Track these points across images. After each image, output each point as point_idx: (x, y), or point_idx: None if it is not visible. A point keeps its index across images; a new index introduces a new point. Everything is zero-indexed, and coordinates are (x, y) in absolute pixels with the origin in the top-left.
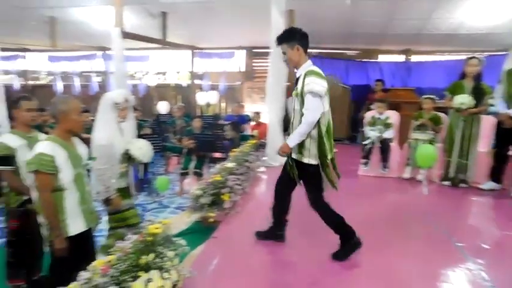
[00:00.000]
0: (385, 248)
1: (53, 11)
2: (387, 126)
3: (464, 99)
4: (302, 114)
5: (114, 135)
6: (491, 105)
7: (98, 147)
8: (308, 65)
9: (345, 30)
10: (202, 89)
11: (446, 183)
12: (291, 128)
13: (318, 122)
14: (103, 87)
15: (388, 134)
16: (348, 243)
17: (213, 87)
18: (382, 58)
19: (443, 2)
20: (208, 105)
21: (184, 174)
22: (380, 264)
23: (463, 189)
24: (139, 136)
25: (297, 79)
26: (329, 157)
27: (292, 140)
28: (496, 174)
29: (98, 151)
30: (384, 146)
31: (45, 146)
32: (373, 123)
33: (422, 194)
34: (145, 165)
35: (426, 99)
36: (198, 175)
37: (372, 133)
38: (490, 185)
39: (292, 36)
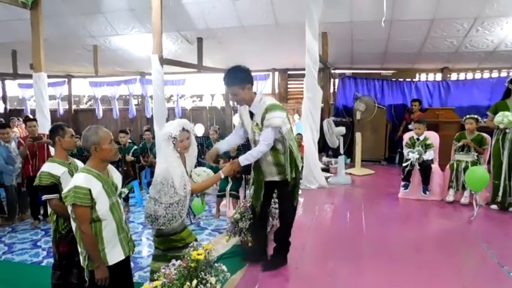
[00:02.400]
0: (435, 277)
1: (96, 40)
2: (427, 147)
3: (504, 117)
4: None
5: (172, 169)
6: None
7: (158, 184)
8: (262, 100)
9: (379, 50)
10: (237, 112)
11: (494, 206)
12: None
13: (286, 139)
14: (141, 111)
15: (429, 155)
16: (285, 256)
17: None
18: (418, 77)
19: (482, 20)
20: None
21: (220, 196)
22: None
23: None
24: None
25: (252, 114)
26: (300, 167)
27: (244, 160)
28: None
29: (158, 187)
30: (424, 167)
31: (81, 178)
32: (412, 144)
33: (469, 219)
34: None
35: (469, 119)
36: (234, 197)
37: (411, 155)
38: None
39: (244, 78)
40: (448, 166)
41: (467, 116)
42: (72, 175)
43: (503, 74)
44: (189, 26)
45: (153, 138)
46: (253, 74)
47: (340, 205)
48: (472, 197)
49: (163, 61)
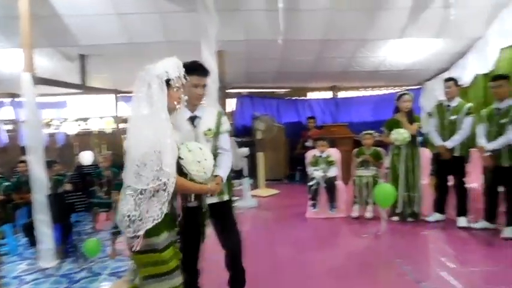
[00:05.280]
0: None
1: None
2: (330, 163)
3: (400, 135)
4: (217, 154)
5: (162, 136)
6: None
7: (136, 161)
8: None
9: (276, 69)
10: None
11: (395, 218)
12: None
13: None
14: (14, 138)
15: (332, 172)
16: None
17: None
18: (310, 95)
19: (366, 42)
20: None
21: (116, 234)
22: None
23: (412, 223)
24: (58, 195)
25: (194, 118)
26: None
27: (226, 175)
28: (439, 205)
29: (136, 164)
30: (329, 185)
31: None
32: (316, 162)
33: (375, 233)
34: (69, 225)
35: (366, 134)
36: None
37: (316, 173)
38: (436, 216)
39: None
40: (350, 182)
41: (365, 132)
42: None
43: (385, 91)
44: (69, 41)
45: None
46: None
47: (251, 232)
48: (376, 210)
49: (37, 80)
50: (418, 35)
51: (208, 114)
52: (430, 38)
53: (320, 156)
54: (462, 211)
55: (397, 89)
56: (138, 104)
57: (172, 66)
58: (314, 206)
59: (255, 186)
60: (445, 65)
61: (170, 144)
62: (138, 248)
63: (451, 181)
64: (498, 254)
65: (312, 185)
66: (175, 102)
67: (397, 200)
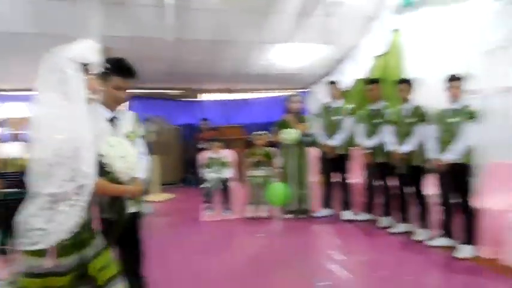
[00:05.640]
0: None
1: None
2: (224, 165)
3: (289, 134)
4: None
5: (82, 131)
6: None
7: (46, 159)
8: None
9: (167, 69)
10: (0, 140)
11: (289, 216)
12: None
13: None
14: None
15: (227, 173)
16: None
17: (16, 137)
18: (204, 97)
19: (256, 45)
20: (12, 159)
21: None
22: None
23: (304, 219)
24: None
25: (115, 118)
26: None
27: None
28: (326, 201)
29: (46, 164)
30: (224, 187)
31: None
32: (210, 164)
33: (272, 233)
34: None
35: (257, 135)
36: (3, 252)
37: (210, 175)
38: (324, 212)
39: None
40: (244, 183)
41: (255, 133)
42: None
43: (276, 94)
44: None
45: None
46: (16, 93)
47: (144, 240)
48: (271, 210)
49: None
50: (304, 41)
51: (126, 116)
52: (315, 43)
53: (215, 158)
54: (346, 205)
55: (287, 92)
56: (46, 95)
57: (90, 49)
58: (209, 208)
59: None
60: (328, 70)
61: (90, 139)
62: (36, 270)
63: (336, 178)
64: (378, 242)
65: (205, 188)
66: (91, 93)
67: (291, 198)
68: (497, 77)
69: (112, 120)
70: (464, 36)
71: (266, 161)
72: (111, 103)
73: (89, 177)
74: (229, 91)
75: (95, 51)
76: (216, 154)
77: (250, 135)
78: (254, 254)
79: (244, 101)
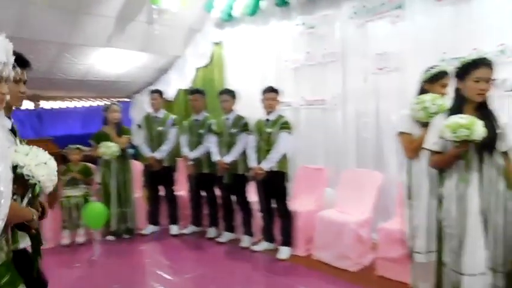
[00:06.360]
0: None
1: None
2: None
3: (108, 148)
4: None
5: None
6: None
7: None
8: None
9: None
10: None
11: (110, 237)
12: None
13: None
14: None
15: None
16: None
17: None
18: None
19: (69, 47)
20: None
21: None
22: None
23: (128, 240)
24: None
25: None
26: None
27: None
28: (153, 217)
29: None
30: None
31: None
32: None
33: (89, 259)
34: None
35: (73, 149)
36: None
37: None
38: (150, 228)
39: None
40: (58, 204)
41: (71, 147)
42: None
43: (95, 103)
44: None
45: None
46: None
47: None
48: (89, 233)
49: None
50: (125, 47)
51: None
52: (136, 51)
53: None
54: (173, 219)
55: (107, 101)
56: None
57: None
58: None
59: None
60: (151, 79)
61: (3, 151)
62: None
63: (162, 191)
64: (206, 256)
65: None
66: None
67: (110, 218)
68: (303, 92)
69: (13, 129)
70: (276, 53)
71: (83, 178)
72: (13, 101)
73: (4, 198)
74: (39, 98)
75: (6, 50)
76: None
77: (64, 149)
78: (71, 287)
79: (58, 110)
